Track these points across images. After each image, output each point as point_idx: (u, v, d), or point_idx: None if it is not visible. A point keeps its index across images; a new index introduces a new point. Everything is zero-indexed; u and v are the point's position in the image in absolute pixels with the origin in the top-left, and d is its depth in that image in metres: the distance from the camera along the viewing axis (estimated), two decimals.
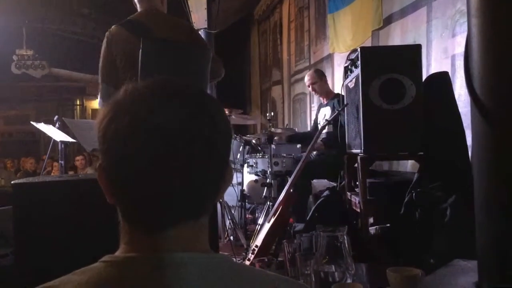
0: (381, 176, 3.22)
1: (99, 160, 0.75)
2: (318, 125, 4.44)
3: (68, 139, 4.21)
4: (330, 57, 5.75)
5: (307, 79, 4.54)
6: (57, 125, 4.35)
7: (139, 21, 2.78)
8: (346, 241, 1.44)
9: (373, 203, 2.71)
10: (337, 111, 3.40)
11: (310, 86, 4.52)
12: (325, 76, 4.59)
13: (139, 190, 0.70)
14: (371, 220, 2.84)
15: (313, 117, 5.08)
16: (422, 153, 2.62)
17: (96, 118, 0.76)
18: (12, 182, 2.13)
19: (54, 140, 4.31)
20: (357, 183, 2.90)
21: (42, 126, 4.35)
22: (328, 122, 3.44)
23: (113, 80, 2.70)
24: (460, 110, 2.57)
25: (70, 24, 10.01)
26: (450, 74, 2.81)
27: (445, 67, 3.16)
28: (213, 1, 5.81)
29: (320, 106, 4.66)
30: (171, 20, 2.92)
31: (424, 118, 2.58)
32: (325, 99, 4.52)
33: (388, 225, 2.74)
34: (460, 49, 3.02)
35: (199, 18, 5.59)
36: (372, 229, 2.76)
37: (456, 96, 2.66)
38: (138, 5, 2.89)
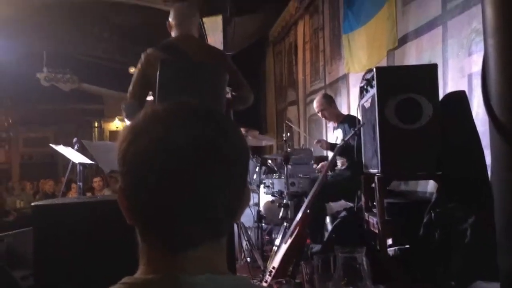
0: (399, 196, 3.19)
1: (119, 182, 0.76)
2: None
3: (87, 161, 4.26)
4: (345, 77, 5.77)
5: (316, 105, 4.51)
6: (76, 147, 4.40)
7: (175, 44, 2.88)
8: (364, 263, 1.42)
9: (392, 224, 2.67)
10: (353, 131, 3.40)
11: (320, 113, 4.50)
12: (334, 101, 4.57)
13: (157, 211, 0.71)
14: (389, 241, 2.80)
15: (329, 137, 5.07)
16: (440, 172, 2.59)
17: (117, 141, 0.77)
18: (32, 204, 2.17)
19: (73, 162, 4.36)
20: (374, 203, 2.87)
21: (61, 148, 4.41)
22: (345, 142, 3.44)
23: (142, 99, 2.79)
24: (478, 129, 2.54)
25: (91, 48, 10.23)
26: (467, 93, 2.79)
27: (462, 86, 3.15)
28: (228, 24, 5.90)
29: (334, 128, 4.65)
30: (205, 46, 3.06)
31: (442, 137, 2.56)
32: (335, 122, 4.51)
33: (407, 246, 2.70)
34: (476, 68, 3.00)
35: (215, 40, 5.68)
36: (390, 250, 2.72)
37: (474, 115, 2.64)
38: (174, 29, 2.99)
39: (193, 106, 0.76)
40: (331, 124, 4.94)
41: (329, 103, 4.47)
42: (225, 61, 3.04)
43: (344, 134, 4.16)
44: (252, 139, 4.65)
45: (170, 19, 3.02)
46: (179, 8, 3.04)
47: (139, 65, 2.85)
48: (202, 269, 0.71)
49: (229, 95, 3.01)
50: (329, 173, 4.17)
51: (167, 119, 0.72)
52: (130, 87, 2.85)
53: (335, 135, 4.48)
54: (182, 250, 0.71)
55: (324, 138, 6.54)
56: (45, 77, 2.75)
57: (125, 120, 2.97)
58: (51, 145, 4.68)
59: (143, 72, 2.80)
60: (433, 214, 2.41)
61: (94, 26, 10.26)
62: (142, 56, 2.84)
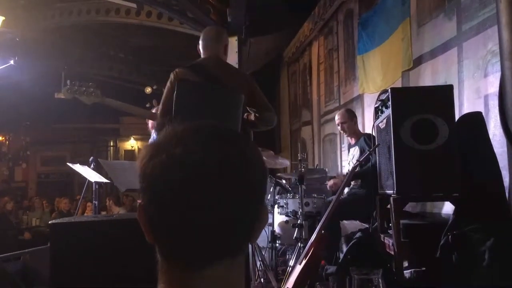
0: (415, 217, 3.16)
1: (138, 200, 0.77)
2: (348, 165, 4.42)
3: (102, 179, 4.30)
4: (360, 97, 5.77)
5: (337, 117, 4.53)
6: (92, 166, 4.45)
7: (202, 65, 2.98)
8: (381, 285, 1.41)
9: (408, 246, 2.64)
10: (368, 152, 3.39)
11: (340, 125, 4.51)
12: (356, 117, 4.58)
13: (174, 227, 0.71)
14: (405, 263, 2.76)
15: (343, 157, 5.05)
16: (457, 194, 2.57)
17: (136, 159, 0.79)
18: (49, 222, 2.19)
19: (89, 181, 4.41)
20: (390, 224, 2.84)
21: (78, 167, 4.47)
22: (359, 163, 3.42)
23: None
24: (495, 150, 2.52)
25: (106, 68, 10.41)
26: (483, 114, 2.77)
27: (478, 107, 3.13)
28: (244, 45, 5.97)
29: (349, 146, 4.64)
30: (231, 67, 3.19)
31: (459, 159, 2.53)
32: (353, 139, 4.51)
33: (424, 268, 2.66)
34: (493, 89, 2.99)
35: (230, 61, 5.73)
36: (407, 273, 2.68)
37: (491, 136, 2.62)
38: (202, 51, 3.10)
39: (213, 126, 0.78)
40: (345, 144, 4.93)
41: (350, 117, 4.48)
42: (250, 84, 3.10)
43: (362, 152, 4.15)
44: (267, 160, 4.66)
45: (199, 42, 3.14)
46: (205, 31, 3.18)
47: (168, 84, 2.91)
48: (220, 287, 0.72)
49: (252, 117, 3.05)
50: (344, 192, 4.15)
51: (187, 138, 0.73)
52: (160, 106, 2.92)
53: (351, 153, 4.46)
54: (200, 267, 0.72)
55: (339, 159, 6.53)
56: (68, 89, 2.87)
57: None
58: (68, 163, 4.74)
59: (171, 90, 2.85)
60: (450, 236, 2.38)
61: (110, 47, 10.45)
62: (171, 75, 2.91)
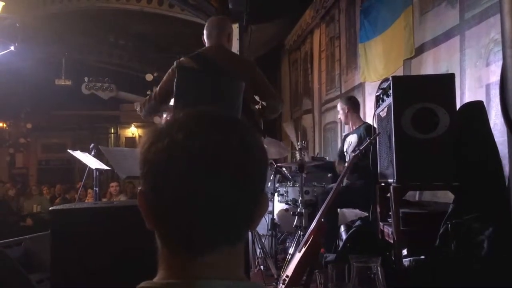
0: (414, 206, 3.16)
1: (140, 185, 0.77)
2: (345, 154, 4.41)
3: (103, 166, 4.31)
4: (361, 86, 5.75)
5: (338, 107, 4.55)
6: (92, 152, 4.46)
7: (204, 54, 3.00)
8: (380, 273, 1.42)
9: (407, 234, 2.65)
10: (368, 140, 3.38)
11: (341, 114, 4.54)
12: (355, 105, 4.53)
13: (174, 213, 0.72)
14: (404, 251, 2.77)
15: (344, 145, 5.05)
16: (457, 183, 2.57)
17: (137, 146, 0.79)
18: (50, 208, 2.19)
19: (89, 168, 4.41)
20: (389, 213, 2.85)
21: (78, 154, 4.47)
22: (360, 152, 3.42)
23: (164, 102, 2.93)
24: (496, 139, 2.52)
25: (106, 55, 10.37)
26: (485, 103, 2.76)
27: (479, 96, 3.12)
28: (245, 32, 5.94)
29: (346, 135, 4.63)
30: (234, 56, 3.20)
31: (459, 148, 2.53)
32: (353, 127, 4.51)
33: (423, 257, 2.67)
34: (495, 78, 2.98)
35: (231, 48, 5.71)
36: (406, 261, 2.70)
37: (492, 126, 2.61)
38: (206, 41, 3.12)
39: (214, 113, 0.77)
40: (346, 132, 4.92)
41: (347, 106, 4.46)
42: (254, 71, 3.10)
43: (360, 140, 4.14)
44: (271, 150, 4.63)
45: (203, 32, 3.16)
46: (210, 20, 3.20)
47: (170, 71, 2.97)
48: (220, 275, 0.72)
49: (259, 106, 3.08)
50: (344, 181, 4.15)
51: (189, 124, 0.73)
52: (157, 88, 2.98)
53: (348, 140, 4.46)
54: (200, 254, 0.72)
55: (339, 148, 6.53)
56: (86, 85, 3.01)
57: (141, 116, 3.08)
58: (69, 150, 4.75)
59: (172, 78, 2.90)
60: (449, 225, 2.39)
61: (110, 33, 10.41)
62: (174, 63, 2.94)
